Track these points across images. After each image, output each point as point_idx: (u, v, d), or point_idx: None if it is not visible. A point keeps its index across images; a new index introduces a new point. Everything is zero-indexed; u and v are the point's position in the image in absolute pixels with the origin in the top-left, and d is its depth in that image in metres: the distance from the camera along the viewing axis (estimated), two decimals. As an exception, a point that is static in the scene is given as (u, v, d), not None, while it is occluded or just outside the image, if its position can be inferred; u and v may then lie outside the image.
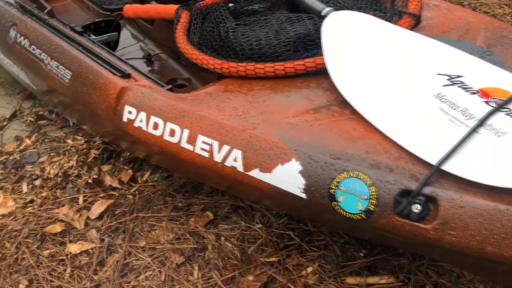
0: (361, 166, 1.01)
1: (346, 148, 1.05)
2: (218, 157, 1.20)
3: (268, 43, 1.37)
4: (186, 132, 1.26)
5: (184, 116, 1.28)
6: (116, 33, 1.94)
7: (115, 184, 1.81)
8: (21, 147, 2.00)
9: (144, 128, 1.35)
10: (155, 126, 1.33)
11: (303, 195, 1.07)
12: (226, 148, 1.19)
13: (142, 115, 1.36)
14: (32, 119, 2.15)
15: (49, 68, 1.67)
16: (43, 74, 1.70)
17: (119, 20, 1.98)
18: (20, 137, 2.06)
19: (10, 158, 1.94)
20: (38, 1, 2.07)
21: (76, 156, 1.94)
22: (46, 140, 2.03)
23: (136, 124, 1.37)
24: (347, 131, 1.10)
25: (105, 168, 1.88)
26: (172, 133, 1.29)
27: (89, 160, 1.92)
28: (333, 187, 1.02)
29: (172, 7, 1.73)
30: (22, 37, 1.79)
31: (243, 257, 1.55)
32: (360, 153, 1.04)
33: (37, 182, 1.84)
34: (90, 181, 1.81)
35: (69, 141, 2.01)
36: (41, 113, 2.18)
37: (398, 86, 1.17)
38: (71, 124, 2.00)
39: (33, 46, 1.74)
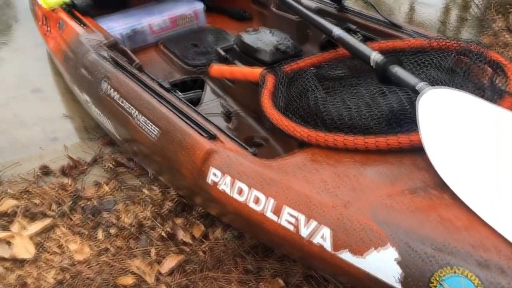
0: (467, 262, 0.92)
1: (449, 239, 0.97)
2: (304, 232, 1.14)
3: (359, 114, 1.33)
4: (272, 201, 1.22)
5: (270, 185, 1.24)
6: (200, 90, 1.97)
7: (187, 239, 1.79)
8: (100, 193, 2.03)
9: (229, 192, 1.33)
10: (240, 192, 1.30)
11: (398, 286, 0.98)
12: (313, 223, 1.13)
13: (227, 179, 1.34)
14: (111, 166, 2.20)
15: (137, 122, 1.70)
16: (130, 127, 1.74)
17: (204, 78, 2.01)
18: (99, 182, 2.10)
19: (89, 203, 1.98)
20: (129, 55, 2.15)
21: (151, 206, 1.94)
22: (123, 187, 2.06)
23: (221, 187, 1.35)
24: (448, 219, 1.02)
25: (178, 221, 1.87)
26: (257, 200, 1.25)
27: (163, 211, 1.92)
28: (434, 281, 0.94)
29: (258, 70, 1.73)
30: (113, 90, 1.85)
31: (315, 332, 1.46)
32: (465, 246, 0.95)
33: (112, 230, 1.85)
34: (163, 234, 1.79)
35: (145, 190, 2.03)
36: (120, 160, 2.22)
37: (504, 174, 1.08)
38: (150, 175, 2.02)
39: (122, 100, 1.79)
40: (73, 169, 2.18)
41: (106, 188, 2.06)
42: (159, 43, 2.63)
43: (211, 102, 2.17)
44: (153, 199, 1.98)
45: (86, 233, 1.84)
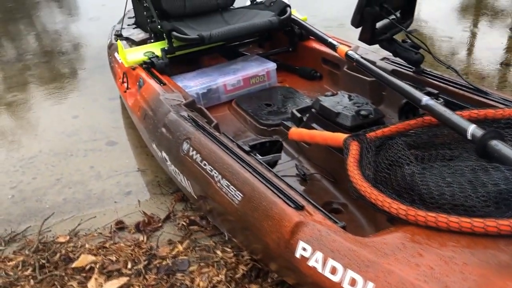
0: None
1: None
2: (410, 323, 1.05)
3: (464, 194, 1.23)
4: (371, 285, 1.13)
5: (368, 267, 1.16)
6: (279, 154, 1.94)
7: (263, 308, 1.71)
8: (174, 253, 2.00)
9: (320, 270, 1.25)
10: (333, 271, 1.22)
11: None
12: (421, 315, 1.03)
13: (319, 255, 1.27)
14: (184, 224, 2.17)
15: (219, 186, 1.68)
16: (212, 190, 1.72)
17: (282, 140, 1.99)
18: (173, 241, 2.07)
19: (163, 263, 1.95)
20: (207, 115, 2.18)
21: (225, 270, 1.88)
22: (197, 248, 2.02)
23: (311, 263, 1.28)
24: None
25: (253, 287, 1.80)
26: (353, 283, 1.17)
27: (238, 276, 1.85)
28: None
29: (340, 136, 1.69)
30: (195, 152, 1.85)
31: None
32: None
33: (187, 293, 1.80)
34: (239, 301, 1.73)
35: (219, 252, 1.98)
36: (192, 218, 2.20)
37: None
38: (226, 237, 1.97)
39: (205, 162, 1.78)
40: (148, 225, 2.18)
41: (180, 247, 2.02)
42: (232, 101, 2.66)
43: (286, 163, 2.13)
44: (227, 262, 1.92)
45: (161, 294, 1.80)
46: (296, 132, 1.87)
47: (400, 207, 1.27)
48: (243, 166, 1.64)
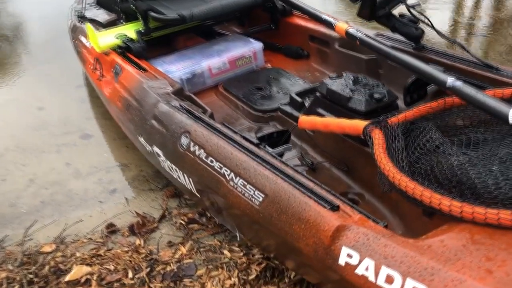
0: None
1: None
2: None
3: (524, 185, 1.11)
4: (440, 296, 1.00)
5: (433, 275, 1.02)
6: (290, 145, 1.75)
7: (285, 312, 1.56)
8: (177, 256, 1.80)
9: (372, 280, 1.10)
10: (389, 280, 1.07)
11: None
12: (506, 329, 0.91)
13: (369, 262, 1.11)
14: (182, 222, 1.97)
15: (233, 185, 1.48)
16: (223, 190, 1.52)
17: (290, 130, 1.80)
18: (174, 243, 1.87)
19: (168, 268, 1.74)
20: (198, 103, 1.95)
21: (237, 271, 1.71)
22: (201, 249, 1.83)
23: (359, 271, 1.13)
24: None
25: (270, 289, 1.64)
26: (417, 293, 1.03)
27: (251, 278, 1.68)
28: None
29: (360, 124, 1.52)
30: (197, 147, 1.63)
31: None
32: None
33: (199, 302, 1.62)
34: (259, 307, 1.57)
35: (226, 252, 1.79)
36: (190, 215, 2.00)
37: None
38: (238, 239, 1.78)
39: (211, 159, 1.57)
40: (142, 227, 1.95)
41: (183, 250, 1.82)
42: (218, 86, 2.43)
43: (289, 152, 1.95)
44: (237, 262, 1.74)
45: (171, 305, 1.61)
46: (307, 120, 1.69)
47: (454, 203, 1.13)
48: (259, 163, 1.45)
